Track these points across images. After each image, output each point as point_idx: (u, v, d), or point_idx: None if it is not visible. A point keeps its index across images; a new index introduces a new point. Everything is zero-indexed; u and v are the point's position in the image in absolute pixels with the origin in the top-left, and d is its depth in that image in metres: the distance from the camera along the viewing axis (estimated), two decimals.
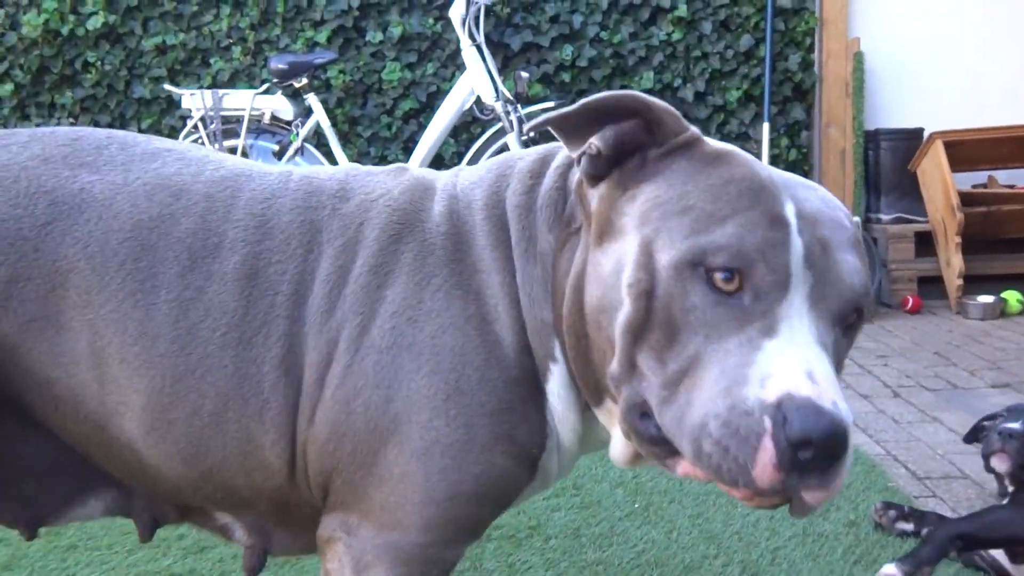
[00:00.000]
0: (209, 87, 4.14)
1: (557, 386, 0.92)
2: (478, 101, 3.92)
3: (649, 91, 4.28)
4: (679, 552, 1.62)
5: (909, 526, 1.64)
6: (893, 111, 4.56)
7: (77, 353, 0.89)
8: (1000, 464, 1.57)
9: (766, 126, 4.27)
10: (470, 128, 4.35)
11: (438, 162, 4.37)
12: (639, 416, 0.81)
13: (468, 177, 0.99)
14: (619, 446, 0.90)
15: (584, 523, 1.75)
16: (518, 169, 0.97)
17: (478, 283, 0.91)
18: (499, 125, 3.90)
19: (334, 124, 4.32)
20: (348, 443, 0.87)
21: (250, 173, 0.99)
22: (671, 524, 1.73)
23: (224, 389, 0.89)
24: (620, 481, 1.92)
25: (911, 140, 4.31)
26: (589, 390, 0.90)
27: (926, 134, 4.16)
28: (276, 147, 3.96)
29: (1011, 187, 4.22)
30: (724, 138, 4.46)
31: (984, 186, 4.28)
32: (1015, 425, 1.55)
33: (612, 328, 0.81)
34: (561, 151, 0.96)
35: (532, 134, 3.85)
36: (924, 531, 1.59)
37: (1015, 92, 4.59)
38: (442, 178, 1.00)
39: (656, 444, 0.80)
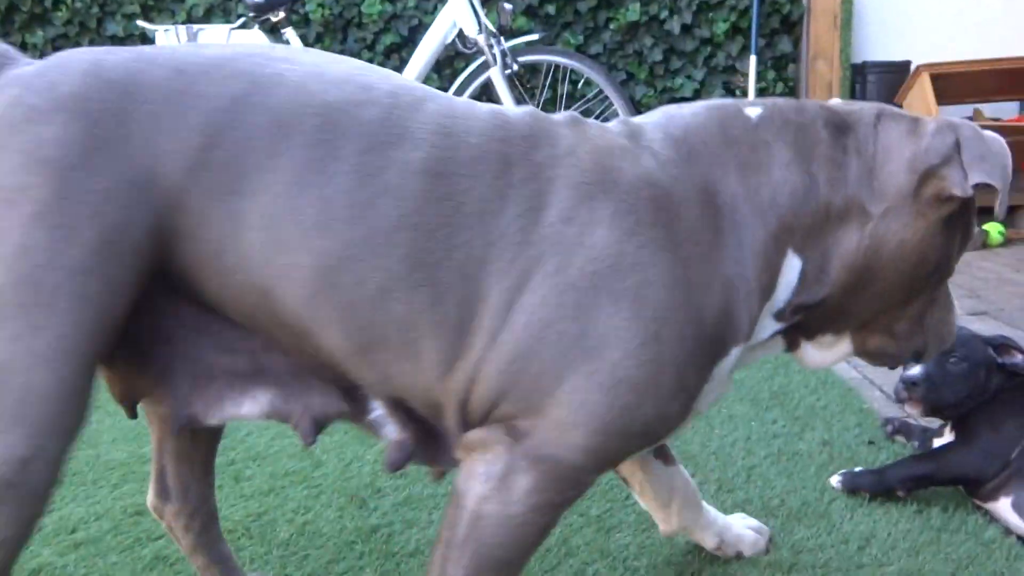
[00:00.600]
0: (184, 23, 4.06)
1: (740, 348, 0.99)
2: (460, 34, 3.86)
3: (635, 24, 4.28)
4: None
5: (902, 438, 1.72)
6: (880, 44, 4.53)
7: (252, 217, 0.90)
8: (913, 410, 1.54)
9: (753, 59, 4.23)
10: (453, 62, 4.30)
11: None
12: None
13: (665, 147, 0.99)
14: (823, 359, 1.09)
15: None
16: (739, 157, 0.99)
17: (686, 252, 0.94)
18: (483, 59, 3.84)
19: None
20: (535, 366, 0.90)
21: (434, 92, 1.00)
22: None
23: (394, 269, 0.91)
24: None
25: (898, 73, 4.28)
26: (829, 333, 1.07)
27: (913, 67, 4.13)
28: None
29: (997, 120, 4.20)
30: (710, 71, 4.44)
31: (970, 119, 4.26)
32: (915, 372, 1.51)
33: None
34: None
35: (516, 68, 3.82)
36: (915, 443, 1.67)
37: (1002, 25, 4.55)
38: (628, 137, 1.00)
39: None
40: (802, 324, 1.04)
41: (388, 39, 4.24)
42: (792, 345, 1.08)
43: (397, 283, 0.91)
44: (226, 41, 3.78)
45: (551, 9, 4.28)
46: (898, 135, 0.99)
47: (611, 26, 4.30)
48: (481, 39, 3.75)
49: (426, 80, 4.26)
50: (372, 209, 0.90)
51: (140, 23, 4.07)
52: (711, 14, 4.34)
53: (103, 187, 0.85)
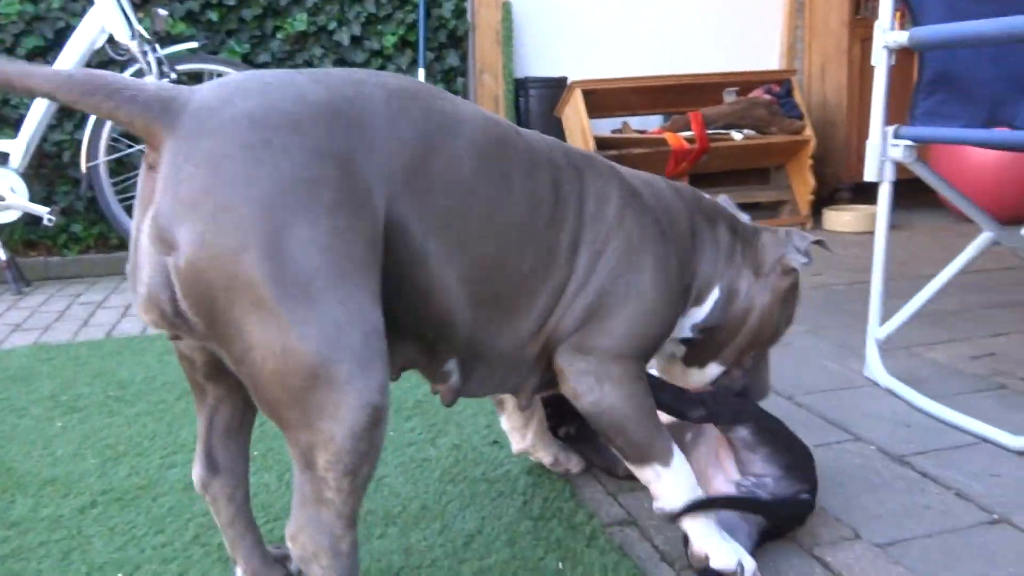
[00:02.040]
0: None
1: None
2: (111, 40, 3.68)
3: (303, 33, 4.27)
4: (287, 492, 1.66)
5: None
6: (540, 60, 4.83)
7: (437, 221, 1.10)
8: None
9: (422, 72, 4.37)
10: (107, 69, 4.08)
11: None
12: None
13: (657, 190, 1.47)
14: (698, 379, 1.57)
15: None
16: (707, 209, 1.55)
17: (678, 245, 1.42)
18: (137, 66, 3.68)
19: None
20: (608, 300, 1.30)
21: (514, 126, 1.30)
22: (285, 467, 1.77)
23: (535, 257, 1.23)
24: None
25: (556, 88, 4.59)
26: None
27: (569, 82, 4.44)
28: None
29: (642, 132, 4.62)
30: None
31: (619, 131, 4.65)
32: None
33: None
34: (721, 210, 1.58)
35: (174, 76, 3.69)
36: None
37: (648, 45, 5.01)
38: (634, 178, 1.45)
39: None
40: (697, 344, 1.51)
41: (31, 42, 3.94)
42: (687, 359, 1.54)
43: (535, 266, 1.23)
44: None
45: (214, 16, 4.17)
46: (769, 239, 1.54)
47: (279, 35, 4.27)
48: (134, 45, 3.60)
49: None
50: (534, 214, 1.22)
51: None
52: (380, 26, 4.42)
53: (366, 179, 1.01)
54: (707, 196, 1.57)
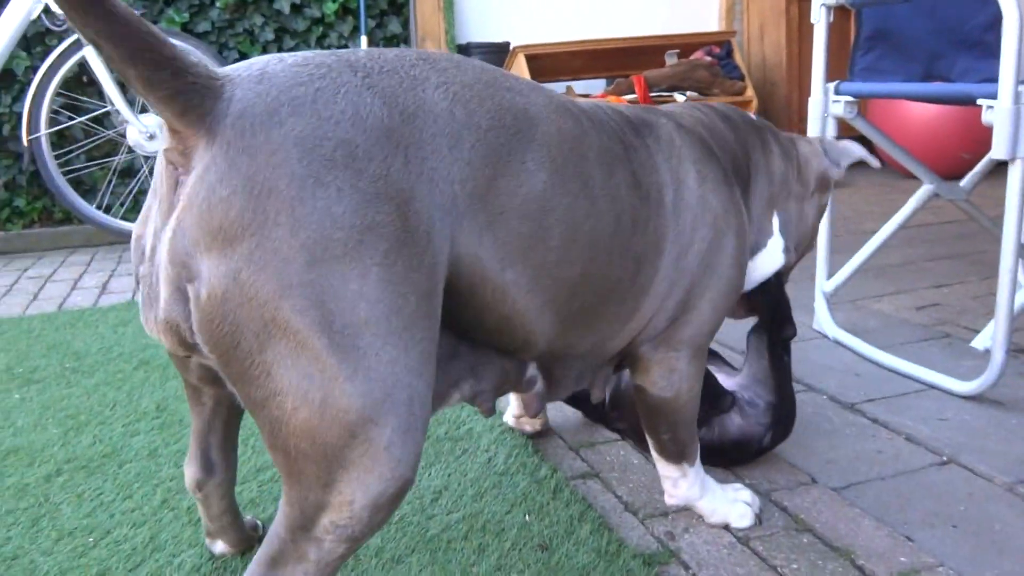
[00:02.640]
0: None
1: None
2: (47, 10, 3.57)
3: (243, 2, 4.20)
4: (254, 456, 1.66)
5: None
6: (483, 25, 4.81)
7: (510, 239, 1.00)
8: None
9: (364, 39, 4.32)
10: (44, 39, 3.97)
11: (9, 77, 3.96)
12: None
13: (718, 125, 1.40)
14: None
15: (163, 443, 1.74)
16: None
17: (743, 202, 1.39)
18: (74, 37, 3.59)
19: None
20: (697, 290, 1.26)
21: (585, 103, 1.19)
22: (250, 431, 1.77)
23: (623, 268, 1.15)
24: None
25: (499, 53, 4.58)
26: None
27: (511, 47, 4.43)
28: None
29: (586, 96, 4.64)
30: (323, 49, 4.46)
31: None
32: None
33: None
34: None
35: None
36: None
37: (590, 9, 5.02)
38: (699, 123, 1.36)
39: None
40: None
41: None
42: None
43: (622, 276, 1.15)
44: None
45: None
46: (809, 151, 1.51)
47: (218, 4, 4.18)
48: None
49: (14, 59, 3.90)
50: (616, 227, 1.12)
51: None
52: None
53: (425, 218, 0.89)
54: (754, 118, 1.50)
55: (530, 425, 1.72)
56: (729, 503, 1.38)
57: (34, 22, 3.66)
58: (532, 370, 1.20)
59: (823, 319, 2.26)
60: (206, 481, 1.25)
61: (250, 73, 0.88)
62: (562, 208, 1.04)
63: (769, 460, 1.57)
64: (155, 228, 0.90)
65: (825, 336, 2.24)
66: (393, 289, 0.85)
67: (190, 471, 1.25)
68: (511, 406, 1.73)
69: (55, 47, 3.80)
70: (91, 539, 1.40)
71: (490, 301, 1.02)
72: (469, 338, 1.10)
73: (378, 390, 0.84)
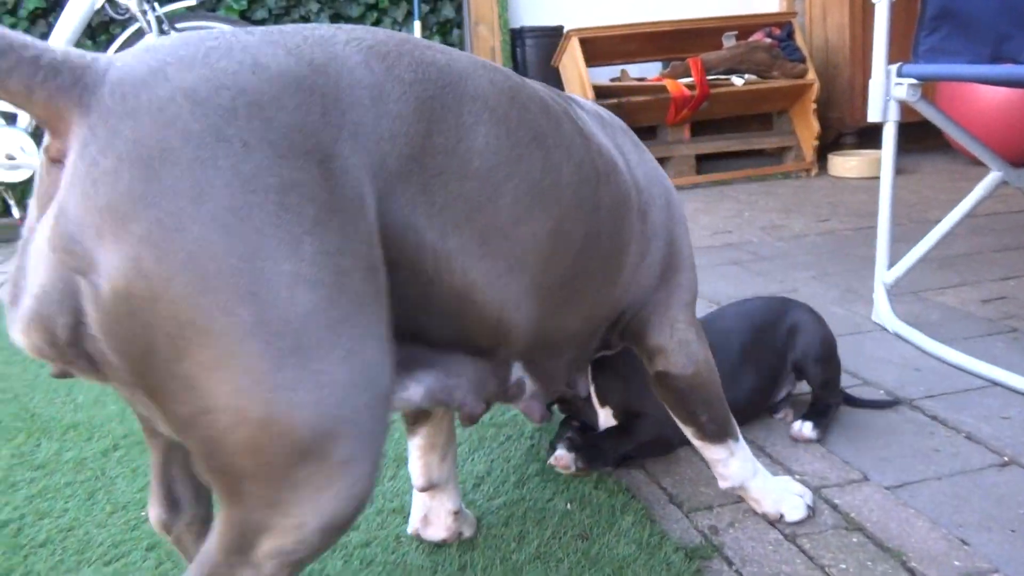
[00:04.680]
0: None
1: None
2: (111, 0, 3.63)
3: None
4: None
5: None
6: (535, 9, 4.76)
7: (463, 207, 0.88)
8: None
9: (418, 24, 4.31)
10: (108, 28, 4.03)
11: None
12: None
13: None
14: None
15: None
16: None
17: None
18: (137, 25, 3.64)
19: None
20: (669, 264, 1.25)
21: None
22: None
23: (598, 225, 1.07)
24: None
25: (552, 37, 4.53)
26: None
27: (565, 31, 4.38)
28: None
29: (642, 80, 4.57)
30: None
31: (617, 79, 4.60)
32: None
33: None
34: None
35: (173, 34, 3.64)
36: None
37: None
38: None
39: None
40: None
41: (32, 3, 3.90)
42: None
43: (588, 223, 1.04)
44: None
45: None
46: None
47: None
48: (133, 4, 3.55)
49: (80, 46, 3.97)
50: (577, 175, 1.01)
51: None
52: None
53: (353, 178, 0.75)
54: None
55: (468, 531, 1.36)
56: (781, 492, 1.34)
57: (98, 11, 3.72)
58: (518, 371, 1.07)
59: (883, 311, 2.19)
60: (173, 521, 1.05)
61: (135, 48, 0.76)
62: (512, 161, 0.92)
63: (820, 455, 1.52)
64: (30, 223, 0.75)
65: (884, 329, 2.17)
66: (333, 264, 0.70)
67: (154, 512, 1.06)
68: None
69: (118, 35, 3.86)
70: (143, 513, 1.42)
71: (432, 274, 0.87)
72: (430, 336, 0.94)
73: (331, 397, 0.70)
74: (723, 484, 1.35)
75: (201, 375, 0.67)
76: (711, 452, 1.33)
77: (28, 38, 0.68)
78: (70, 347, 0.72)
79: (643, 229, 1.18)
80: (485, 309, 0.93)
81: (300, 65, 0.76)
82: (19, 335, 0.74)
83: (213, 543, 0.77)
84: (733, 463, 1.33)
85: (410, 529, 1.33)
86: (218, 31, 0.78)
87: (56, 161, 0.71)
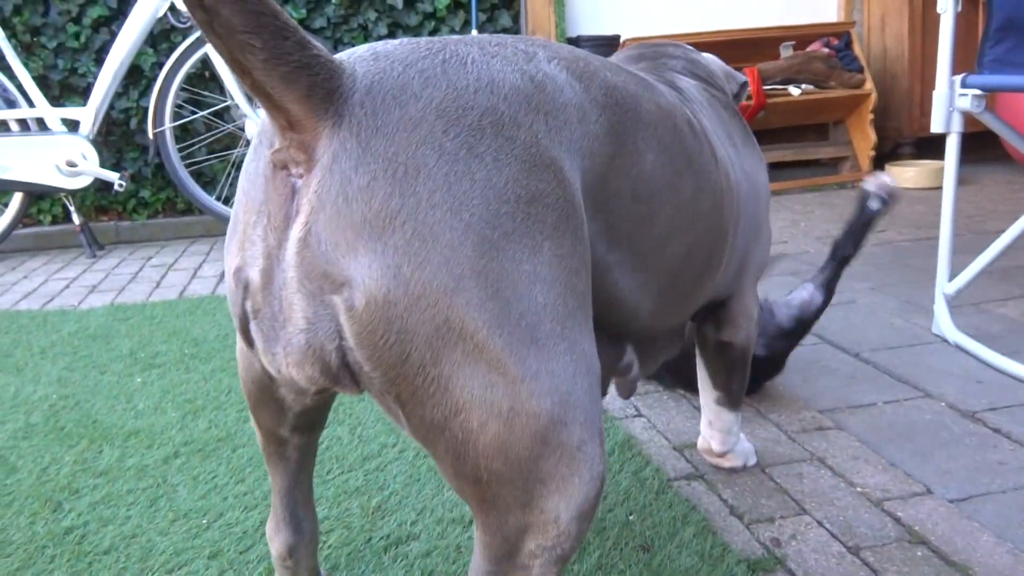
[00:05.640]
0: None
1: None
2: (172, 8, 3.72)
3: None
4: (360, 445, 1.70)
5: None
6: (593, 18, 4.78)
7: (624, 226, 0.95)
8: None
9: (475, 33, 4.35)
10: (170, 36, 4.13)
11: (136, 73, 4.14)
12: None
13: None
14: None
15: None
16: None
17: None
18: (199, 33, 3.73)
19: (12, 35, 3.97)
20: (750, 248, 1.34)
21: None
22: (357, 421, 1.81)
23: (713, 242, 1.14)
24: None
25: (609, 46, 4.54)
26: None
27: (621, 40, 4.40)
28: None
29: None
30: None
31: None
32: None
33: None
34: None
35: None
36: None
37: (700, 0, 4.93)
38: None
39: None
40: None
41: (96, 11, 4.00)
42: None
43: (713, 250, 1.14)
44: None
45: None
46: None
47: (334, 0, 4.28)
48: None
49: (141, 55, 4.07)
50: (710, 206, 1.10)
51: None
52: None
53: (575, 188, 0.81)
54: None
55: None
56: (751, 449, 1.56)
57: (160, 19, 3.82)
58: (630, 354, 1.13)
59: (943, 322, 2.17)
60: (299, 545, 1.11)
61: (360, 54, 0.79)
62: (670, 188, 0.99)
63: (882, 468, 1.52)
64: (267, 249, 0.76)
65: (945, 340, 2.15)
66: (566, 266, 0.77)
67: (280, 539, 1.11)
68: None
69: (179, 44, 3.95)
70: (204, 521, 1.45)
71: (593, 280, 0.93)
72: None
73: (563, 385, 0.75)
74: (717, 448, 1.52)
75: (454, 374, 0.72)
76: (725, 420, 1.49)
77: (302, 32, 0.69)
78: (340, 370, 0.76)
79: (741, 228, 1.26)
80: (623, 309, 1.01)
81: (525, 82, 0.81)
82: (294, 370, 0.78)
83: (480, 556, 0.81)
84: (735, 431, 1.51)
85: None
86: (437, 42, 0.82)
87: (287, 168, 0.74)
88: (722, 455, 1.54)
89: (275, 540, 1.10)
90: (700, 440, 1.58)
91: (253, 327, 0.80)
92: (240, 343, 0.94)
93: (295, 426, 1.02)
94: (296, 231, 0.72)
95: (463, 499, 0.80)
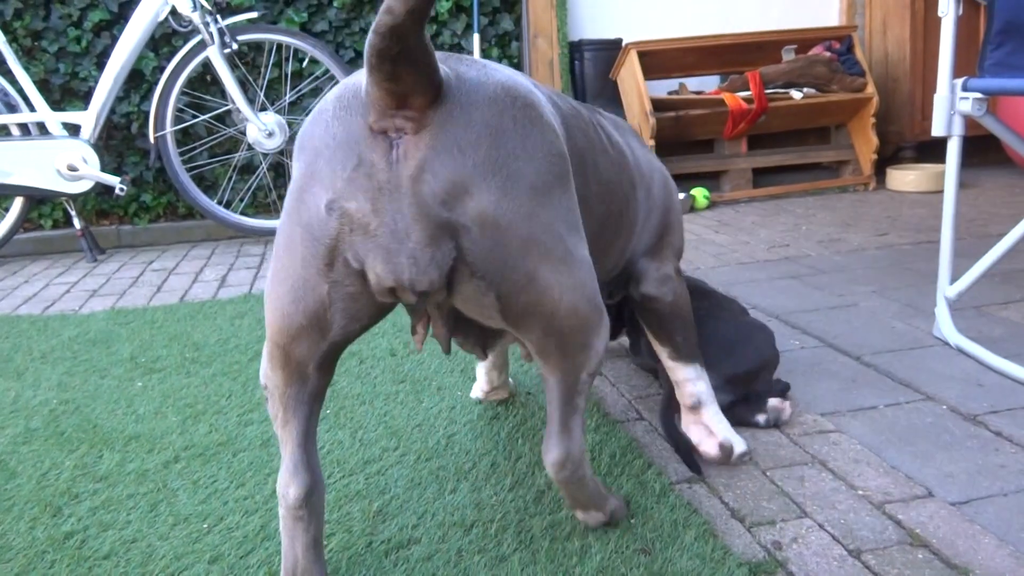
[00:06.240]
0: None
1: None
2: (174, 12, 3.73)
3: (359, 1, 4.28)
4: (361, 449, 1.70)
5: None
6: (595, 22, 4.78)
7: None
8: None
9: (476, 37, 4.35)
10: (171, 40, 4.13)
11: (137, 77, 4.14)
12: None
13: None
14: None
15: (275, 434, 1.79)
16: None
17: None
18: (200, 37, 3.73)
19: (13, 40, 3.97)
20: (667, 222, 1.61)
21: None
22: (358, 424, 1.81)
23: (622, 204, 1.45)
24: None
25: (611, 50, 4.55)
26: None
27: (624, 44, 4.40)
28: None
29: (699, 93, 4.56)
30: (436, 49, 4.51)
31: (676, 92, 4.60)
32: None
33: None
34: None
35: (235, 47, 3.73)
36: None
37: (704, 4, 4.93)
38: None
39: None
40: None
41: (97, 16, 4.01)
42: None
43: (620, 205, 1.43)
44: None
45: None
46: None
47: (335, 4, 4.28)
48: (196, 17, 3.63)
49: (142, 60, 4.08)
50: (619, 177, 1.43)
51: None
52: None
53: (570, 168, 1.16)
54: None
55: (497, 395, 1.89)
56: (729, 427, 1.60)
57: (161, 23, 3.82)
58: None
59: (944, 325, 2.17)
60: (315, 488, 1.18)
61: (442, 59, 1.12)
62: (592, 165, 1.33)
63: (883, 471, 1.52)
64: (374, 184, 0.98)
65: (946, 343, 2.15)
66: (574, 204, 1.13)
67: (298, 482, 1.16)
68: (479, 381, 1.87)
69: (180, 48, 3.96)
70: (205, 525, 1.45)
71: None
72: None
73: (587, 267, 1.14)
74: (688, 400, 1.61)
75: (535, 268, 1.06)
76: (683, 372, 1.60)
77: None
78: (450, 275, 1.03)
79: (648, 203, 1.55)
80: None
81: (567, 106, 1.30)
82: (420, 276, 1.01)
83: (556, 397, 1.20)
84: (700, 383, 1.60)
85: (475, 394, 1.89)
86: (450, 54, 1.12)
87: (383, 133, 0.99)
88: (694, 408, 1.61)
89: (292, 486, 1.17)
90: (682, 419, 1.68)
91: (360, 246, 1.00)
92: (300, 273, 1.05)
93: (321, 362, 1.13)
94: (407, 171, 0.98)
95: (543, 358, 1.16)
